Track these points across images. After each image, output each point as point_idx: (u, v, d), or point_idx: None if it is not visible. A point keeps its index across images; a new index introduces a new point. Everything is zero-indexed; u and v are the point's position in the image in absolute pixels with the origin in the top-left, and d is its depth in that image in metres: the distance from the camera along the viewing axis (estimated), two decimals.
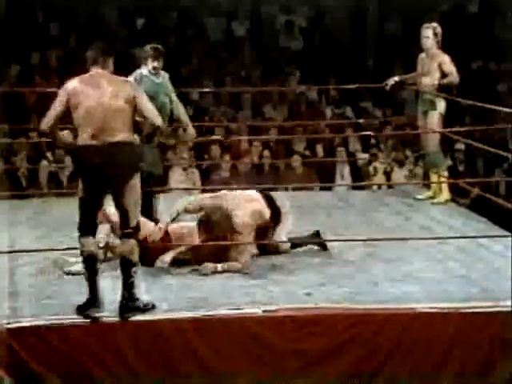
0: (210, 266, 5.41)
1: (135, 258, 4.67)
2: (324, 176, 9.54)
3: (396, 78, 7.40)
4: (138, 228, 4.69)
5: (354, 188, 9.04)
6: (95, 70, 4.65)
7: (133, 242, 4.66)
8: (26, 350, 4.58)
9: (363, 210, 7.11)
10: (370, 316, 4.82)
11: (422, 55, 7.23)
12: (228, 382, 4.72)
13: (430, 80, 7.11)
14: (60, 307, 4.80)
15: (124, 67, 11.61)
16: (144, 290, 4.99)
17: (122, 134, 4.57)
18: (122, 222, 4.69)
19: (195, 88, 10.51)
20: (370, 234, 6.16)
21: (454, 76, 7.03)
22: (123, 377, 4.66)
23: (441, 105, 7.07)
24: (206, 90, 10.69)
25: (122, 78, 4.74)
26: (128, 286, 4.67)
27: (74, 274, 5.36)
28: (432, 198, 7.25)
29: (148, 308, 4.73)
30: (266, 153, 9.72)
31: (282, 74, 11.81)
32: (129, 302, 4.68)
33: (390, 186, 8.84)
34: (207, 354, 4.71)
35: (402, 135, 9.99)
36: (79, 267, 5.39)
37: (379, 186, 9.11)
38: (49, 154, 9.44)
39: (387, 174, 9.65)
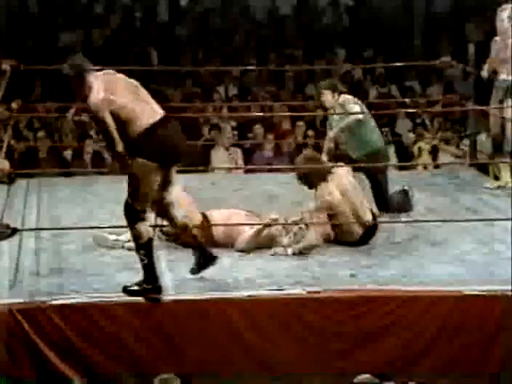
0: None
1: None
2: None
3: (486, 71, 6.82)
4: None
5: (400, 168, 8.93)
6: (93, 76, 4.65)
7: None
8: (69, 326, 4.61)
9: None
10: (415, 298, 4.77)
11: (497, 39, 6.80)
12: (271, 362, 4.71)
13: (506, 69, 6.65)
14: (104, 285, 4.82)
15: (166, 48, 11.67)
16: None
17: (160, 110, 4.73)
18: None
19: (239, 66, 10.48)
20: (416, 215, 6.08)
21: None
22: (165, 355, 4.66)
23: None
24: (250, 68, 10.64)
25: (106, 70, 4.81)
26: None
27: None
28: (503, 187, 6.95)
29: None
30: (310, 132, 9.64)
31: (327, 52, 11.70)
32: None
33: (436, 167, 8.71)
34: (250, 334, 4.69)
35: (449, 115, 9.84)
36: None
37: (425, 167, 8.99)
38: (93, 133, 9.48)
39: (434, 155, 9.51)
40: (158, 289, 4.68)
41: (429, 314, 4.77)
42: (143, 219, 4.66)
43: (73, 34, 11.59)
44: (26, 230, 5.48)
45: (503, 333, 4.76)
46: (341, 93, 6.03)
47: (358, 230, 5.55)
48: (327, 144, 6.09)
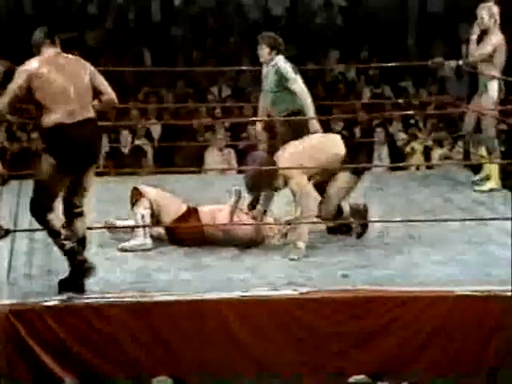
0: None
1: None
2: (361, 157, 9.41)
3: (460, 63, 6.91)
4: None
5: (393, 169, 8.93)
6: (50, 50, 4.61)
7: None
8: (64, 327, 4.59)
9: (402, 191, 7.02)
10: (410, 299, 4.77)
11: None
12: (267, 363, 4.70)
13: (485, 65, 6.63)
14: (97, 285, 4.80)
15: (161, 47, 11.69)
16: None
17: (92, 111, 4.62)
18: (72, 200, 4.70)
19: (232, 67, 10.47)
20: (409, 215, 6.08)
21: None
22: (161, 356, 4.65)
23: (492, 88, 6.63)
24: (244, 68, 10.64)
25: (76, 57, 4.72)
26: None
27: (128, 251, 5.38)
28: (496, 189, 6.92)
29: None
30: None
31: (321, 53, 11.71)
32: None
33: (429, 167, 8.72)
34: (246, 334, 4.69)
35: (442, 115, 9.85)
36: (134, 243, 5.40)
37: (417, 167, 8.99)
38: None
39: (426, 155, 9.51)
40: (83, 272, 4.63)
41: (424, 314, 4.76)
42: (50, 211, 4.59)
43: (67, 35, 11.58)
44: (19, 230, 5.46)
45: (500, 333, 4.76)
46: (279, 52, 6.01)
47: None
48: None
